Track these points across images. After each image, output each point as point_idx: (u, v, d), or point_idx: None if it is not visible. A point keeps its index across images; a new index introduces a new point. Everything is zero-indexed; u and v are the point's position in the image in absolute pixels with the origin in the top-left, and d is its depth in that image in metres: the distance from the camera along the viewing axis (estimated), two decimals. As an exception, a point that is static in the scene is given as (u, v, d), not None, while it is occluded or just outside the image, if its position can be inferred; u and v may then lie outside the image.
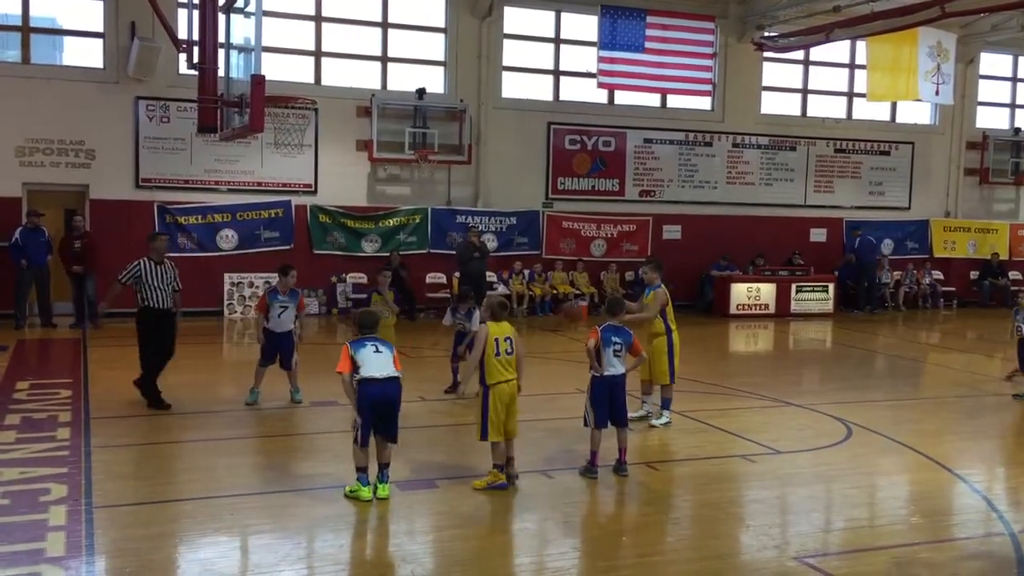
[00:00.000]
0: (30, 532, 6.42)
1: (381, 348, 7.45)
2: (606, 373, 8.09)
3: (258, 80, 12.29)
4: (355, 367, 7.31)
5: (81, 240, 16.62)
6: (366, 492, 7.31)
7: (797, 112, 23.14)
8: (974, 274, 24.36)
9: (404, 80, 19.65)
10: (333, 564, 6.21)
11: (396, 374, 7.41)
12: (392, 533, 6.89)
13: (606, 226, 21.30)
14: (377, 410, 7.30)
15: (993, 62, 24.90)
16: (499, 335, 7.74)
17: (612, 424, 8.17)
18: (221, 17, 13.97)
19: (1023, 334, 11.71)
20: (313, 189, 19.14)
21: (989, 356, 16.20)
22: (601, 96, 21.18)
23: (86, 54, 18.17)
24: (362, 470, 7.36)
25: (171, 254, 17.70)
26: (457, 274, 18.84)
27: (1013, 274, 24.31)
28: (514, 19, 20.47)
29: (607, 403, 8.10)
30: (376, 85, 19.57)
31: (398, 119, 19.27)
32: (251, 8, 12.84)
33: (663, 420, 9.92)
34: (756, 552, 6.58)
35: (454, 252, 18.83)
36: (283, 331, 10.77)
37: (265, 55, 12.90)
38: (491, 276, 19.65)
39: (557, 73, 21.00)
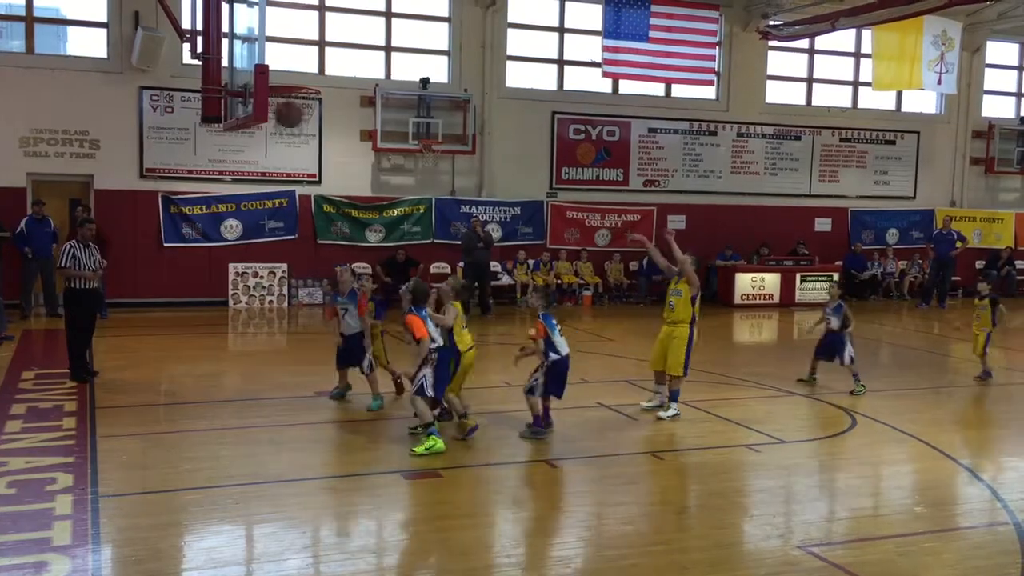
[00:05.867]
0: (36, 521, 6.44)
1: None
2: (563, 352, 8.77)
3: (262, 70, 12.26)
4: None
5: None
6: (441, 443, 8.15)
7: (802, 101, 23.07)
8: (980, 263, 24.31)
9: (408, 70, 19.62)
10: (338, 553, 6.23)
11: None
12: (397, 522, 6.91)
13: (610, 216, 21.28)
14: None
15: (999, 51, 24.79)
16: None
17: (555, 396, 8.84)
18: (225, 6, 13.92)
19: (831, 326, 11.59)
20: (317, 179, 19.14)
21: (996, 347, 16.16)
22: (605, 85, 21.14)
23: (90, 44, 18.17)
24: (432, 424, 8.23)
25: (176, 244, 18.11)
26: (461, 264, 18.86)
27: (1020, 263, 24.26)
28: (518, 8, 20.41)
29: (564, 378, 8.79)
30: (380, 75, 19.54)
31: (402, 109, 19.24)
32: (255, -3, 12.79)
33: (671, 412, 9.87)
34: (761, 541, 6.58)
35: (458, 242, 18.82)
36: (350, 333, 10.13)
37: (269, 45, 12.85)
38: (495, 266, 19.66)
39: (561, 62, 20.94)
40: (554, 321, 8.84)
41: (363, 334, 10.01)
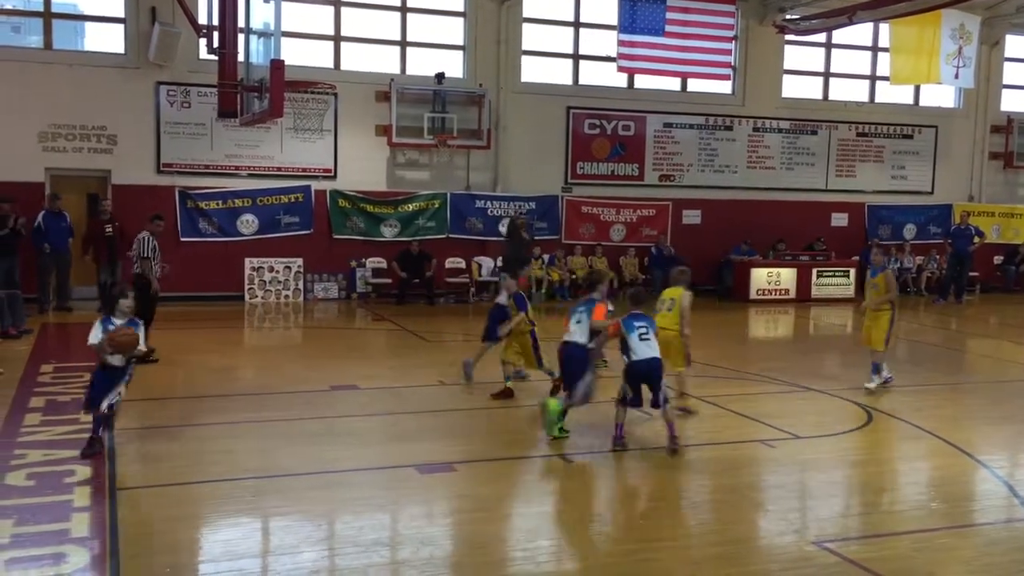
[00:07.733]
0: (55, 513, 6.50)
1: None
2: (637, 356, 8.29)
3: (278, 65, 12.34)
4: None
5: (112, 225, 16.62)
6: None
7: (819, 96, 22.95)
8: (998, 259, 24.15)
9: (423, 65, 19.64)
10: (353, 546, 6.25)
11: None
12: (411, 516, 6.93)
13: (625, 211, 21.24)
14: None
15: (1018, 44, 24.55)
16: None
17: (653, 407, 8.41)
18: (241, 2, 14.01)
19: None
20: (333, 174, 19.19)
21: (1015, 343, 16.07)
22: (621, 80, 21.08)
23: (107, 39, 18.28)
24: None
25: (192, 238, 18.20)
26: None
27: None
28: (533, 3, 20.38)
29: (636, 385, 8.36)
30: (395, 70, 19.56)
31: (417, 104, 19.25)
32: (271, -7, 12.86)
33: (875, 383, 10.89)
34: (775, 537, 6.57)
35: (473, 237, 18.75)
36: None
37: (284, 40, 12.91)
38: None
39: (576, 57, 20.91)
40: (638, 323, 8.38)
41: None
